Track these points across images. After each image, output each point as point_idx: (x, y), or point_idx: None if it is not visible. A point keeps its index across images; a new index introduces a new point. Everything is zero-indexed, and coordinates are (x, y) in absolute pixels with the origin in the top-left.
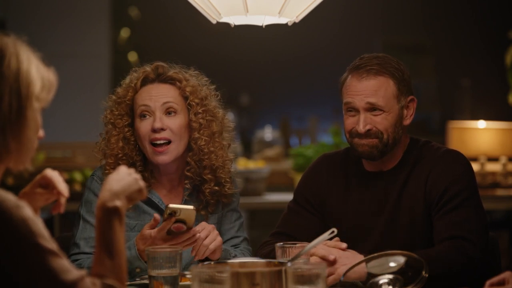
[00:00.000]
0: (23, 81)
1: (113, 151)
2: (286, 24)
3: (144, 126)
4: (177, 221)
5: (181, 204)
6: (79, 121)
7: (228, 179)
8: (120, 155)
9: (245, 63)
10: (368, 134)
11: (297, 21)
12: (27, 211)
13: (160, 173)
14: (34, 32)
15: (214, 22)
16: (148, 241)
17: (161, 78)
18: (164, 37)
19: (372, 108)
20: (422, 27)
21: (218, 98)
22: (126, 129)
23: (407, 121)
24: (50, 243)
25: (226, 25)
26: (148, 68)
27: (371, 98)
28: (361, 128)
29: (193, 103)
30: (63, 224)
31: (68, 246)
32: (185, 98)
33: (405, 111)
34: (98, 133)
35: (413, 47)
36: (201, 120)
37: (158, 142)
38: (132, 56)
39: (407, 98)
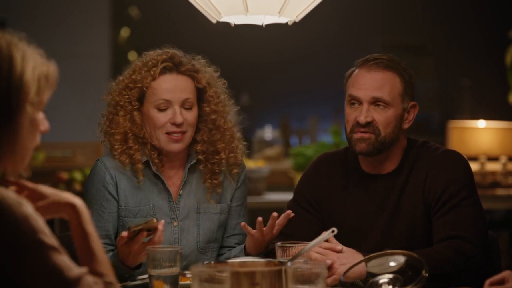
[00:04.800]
0: (16, 86)
1: (119, 129)
2: (286, 23)
3: (162, 117)
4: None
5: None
6: (79, 121)
7: (237, 146)
8: (129, 133)
9: (245, 63)
10: (367, 126)
11: (297, 20)
12: (28, 208)
13: (166, 157)
14: (34, 32)
15: (214, 21)
16: (130, 256)
17: (180, 69)
18: (164, 37)
19: (376, 101)
20: (422, 27)
21: (223, 83)
22: (136, 113)
23: (406, 125)
24: (52, 240)
25: (226, 25)
26: (163, 55)
27: (377, 92)
28: (363, 118)
29: (211, 96)
30: (63, 224)
31: (68, 245)
32: (199, 89)
33: (405, 114)
34: (98, 133)
35: (413, 47)
36: (219, 108)
37: (176, 135)
38: (132, 56)
39: (410, 102)
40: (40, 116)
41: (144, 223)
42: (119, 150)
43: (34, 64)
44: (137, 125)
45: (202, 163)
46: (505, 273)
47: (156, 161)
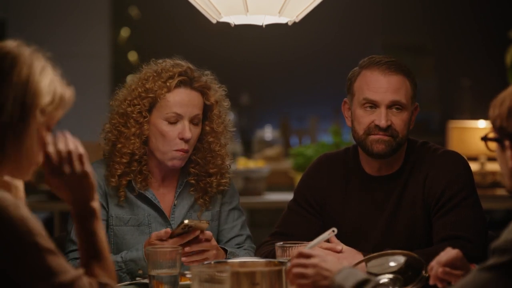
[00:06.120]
0: (30, 91)
1: (127, 149)
2: (286, 24)
3: (171, 132)
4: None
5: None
6: (79, 121)
7: (227, 170)
8: (136, 156)
9: (245, 63)
10: (387, 129)
11: (297, 20)
12: (25, 210)
13: (157, 170)
14: (34, 32)
15: (214, 21)
16: None
17: (194, 85)
18: (164, 37)
19: (393, 105)
20: (422, 27)
21: (227, 103)
22: (146, 127)
23: (411, 126)
24: (48, 242)
25: (226, 25)
26: (178, 67)
27: (395, 96)
28: (384, 122)
29: (216, 114)
30: (63, 224)
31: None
32: (206, 106)
33: (411, 116)
34: (98, 133)
35: (413, 47)
36: (220, 128)
37: (182, 152)
38: (132, 56)
39: (415, 104)
40: (49, 137)
41: (199, 222)
42: (119, 172)
43: (51, 80)
44: (142, 139)
45: (192, 186)
46: (451, 254)
47: (151, 179)
